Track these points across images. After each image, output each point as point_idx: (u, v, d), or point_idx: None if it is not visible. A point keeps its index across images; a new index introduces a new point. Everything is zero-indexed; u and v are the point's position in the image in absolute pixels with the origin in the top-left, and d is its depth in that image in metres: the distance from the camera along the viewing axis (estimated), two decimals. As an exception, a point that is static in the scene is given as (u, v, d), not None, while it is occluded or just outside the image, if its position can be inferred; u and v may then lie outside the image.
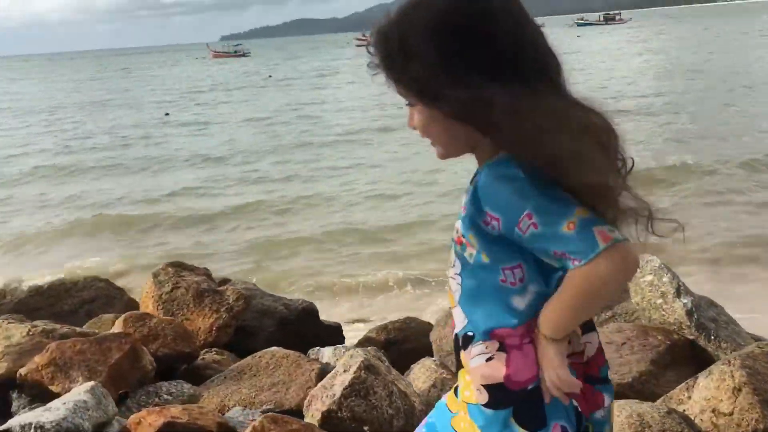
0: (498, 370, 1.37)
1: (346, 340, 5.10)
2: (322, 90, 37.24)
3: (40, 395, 3.32)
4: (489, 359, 1.39)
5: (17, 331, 3.79)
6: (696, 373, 3.22)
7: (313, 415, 2.89)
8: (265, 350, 3.69)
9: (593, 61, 38.30)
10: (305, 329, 4.81)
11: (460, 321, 1.45)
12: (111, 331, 3.99)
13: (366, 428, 2.76)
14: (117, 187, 14.79)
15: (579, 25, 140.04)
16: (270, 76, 52.52)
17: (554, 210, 1.23)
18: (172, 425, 2.78)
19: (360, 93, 33.87)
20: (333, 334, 5.02)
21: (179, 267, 4.78)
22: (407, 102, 1.37)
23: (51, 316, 4.87)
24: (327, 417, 2.84)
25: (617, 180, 1.32)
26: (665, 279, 3.42)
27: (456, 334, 1.47)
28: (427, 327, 4.96)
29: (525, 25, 1.30)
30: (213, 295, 4.46)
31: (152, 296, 4.56)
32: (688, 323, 3.29)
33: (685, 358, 3.27)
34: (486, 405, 1.38)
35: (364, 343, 4.71)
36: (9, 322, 3.95)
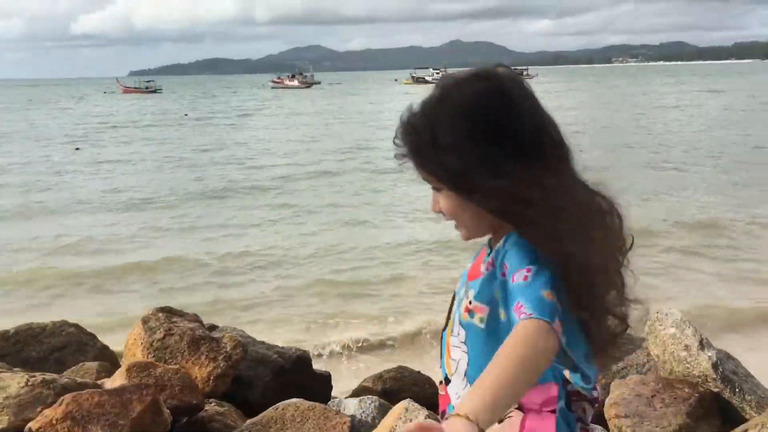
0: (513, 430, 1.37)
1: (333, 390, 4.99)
2: (244, 131, 36.60)
3: (50, 452, 3.07)
4: (501, 421, 1.38)
5: (13, 382, 3.50)
6: (723, 425, 3.34)
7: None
8: (286, 402, 3.55)
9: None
10: (300, 378, 4.66)
11: (461, 387, 1.45)
12: (113, 381, 3.75)
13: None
14: (20, 234, 13.06)
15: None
16: (186, 115, 51.49)
17: (547, 280, 1.26)
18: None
19: (282, 135, 33.67)
20: (324, 384, 4.88)
21: (170, 312, 4.56)
22: (432, 186, 1.42)
23: (19, 364, 4.52)
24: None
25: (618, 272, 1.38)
26: (688, 332, 3.53)
27: (451, 406, 1.46)
28: (418, 376, 4.92)
29: (542, 115, 1.38)
30: (209, 342, 4.26)
31: (141, 343, 4.31)
32: (714, 376, 3.39)
33: (712, 410, 3.37)
34: None
35: (360, 392, 4.61)
36: (1, 371, 3.65)
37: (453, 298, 1.53)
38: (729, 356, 3.58)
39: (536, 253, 1.29)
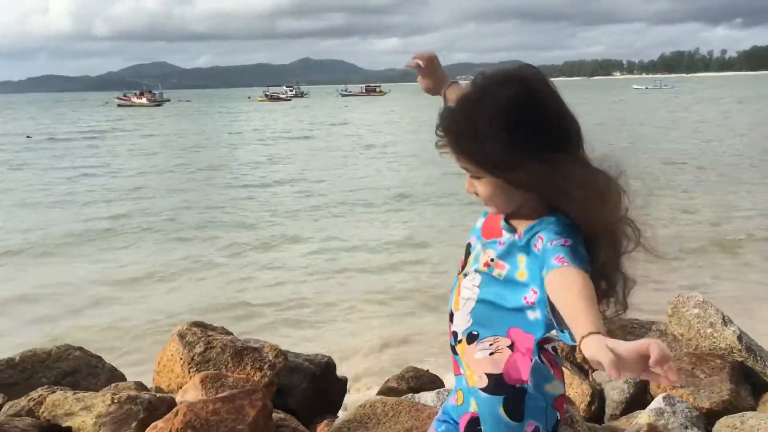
0: (499, 365, 1.74)
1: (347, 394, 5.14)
2: (104, 155, 33.02)
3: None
4: (492, 354, 1.76)
5: (97, 401, 3.42)
6: (752, 390, 3.88)
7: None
8: (371, 399, 3.69)
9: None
10: (326, 384, 4.78)
11: (464, 322, 1.80)
12: (184, 393, 3.73)
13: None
14: None
15: (342, 95, 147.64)
16: (29, 137, 47.60)
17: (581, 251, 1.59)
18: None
19: (152, 160, 30.29)
20: (342, 388, 5.02)
21: (203, 326, 4.54)
22: (471, 174, 1.72)
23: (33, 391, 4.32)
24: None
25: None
26: (711, 311, 4.06)
27: (454, 332, 1.83)
28: (430, 374, 5.17)
29: (564, 110, 1.68)
30: (252, 352, 4.30)
31: (180, 358, 4.26)
32: (740, 347, 3.93)
33: (741, 377, 3.90)
34: (483, 390, 1.77)
35: (387, 392, 4.78)
36: (74, 393, 3.54)
37: (467, 250, 1.86)
38: (742, 331, 4.15)
39: (571, 229, 1.60)
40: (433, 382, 5.03)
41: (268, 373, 4.25)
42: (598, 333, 1.32)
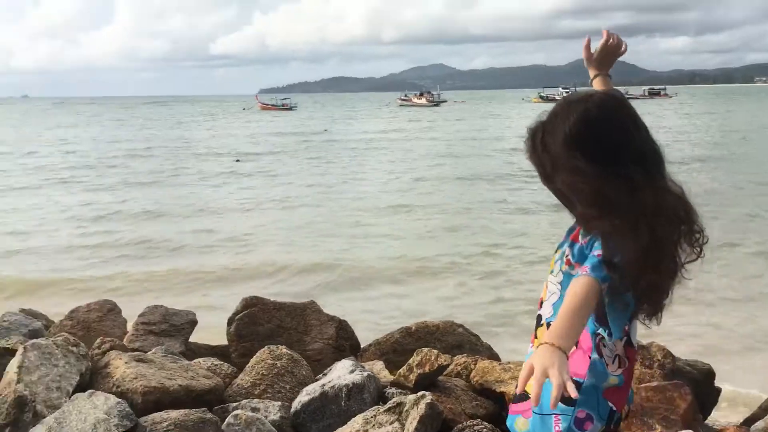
0: None
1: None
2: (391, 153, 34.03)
3: None
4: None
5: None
6: None
7: None
8: None
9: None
10: (704, 394, 4.74)
11: (547, 311, 1.99)
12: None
13: None
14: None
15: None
16: (326, 130, 52.41)
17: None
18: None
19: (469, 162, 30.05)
20: (714, 400, 4.94)
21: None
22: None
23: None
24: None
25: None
26: None
27: (540, 315, 2.04)
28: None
29: (632, 131, 1.84)
30: (640, 350, 4.43)
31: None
32: None
33: None
34: None
35: None
36: (499, 363, 3.98)
37: (557, 248, 2.03)
38: None
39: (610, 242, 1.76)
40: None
41: (657, 372, 4.33)
42: (551, 344, 1.57)
